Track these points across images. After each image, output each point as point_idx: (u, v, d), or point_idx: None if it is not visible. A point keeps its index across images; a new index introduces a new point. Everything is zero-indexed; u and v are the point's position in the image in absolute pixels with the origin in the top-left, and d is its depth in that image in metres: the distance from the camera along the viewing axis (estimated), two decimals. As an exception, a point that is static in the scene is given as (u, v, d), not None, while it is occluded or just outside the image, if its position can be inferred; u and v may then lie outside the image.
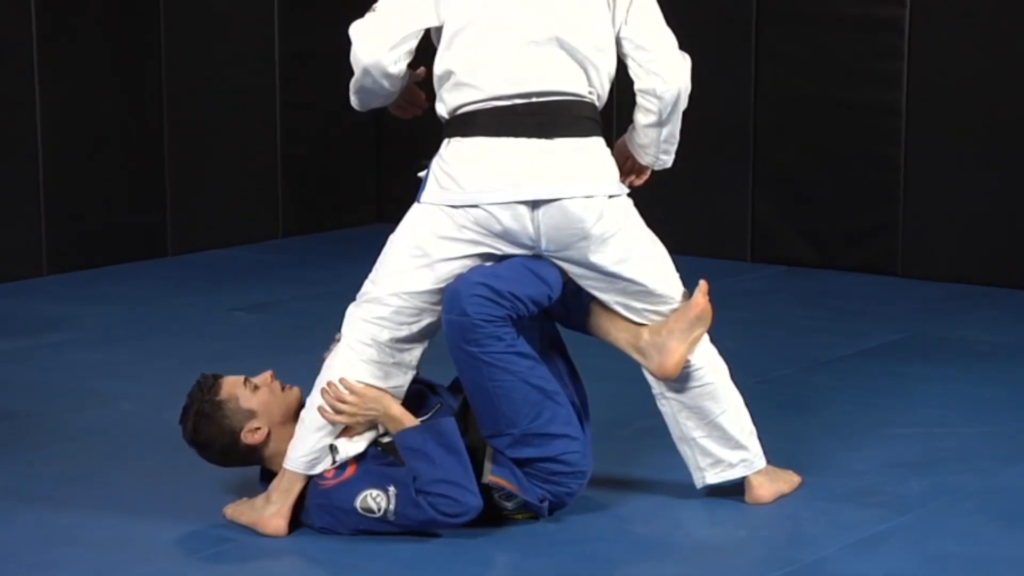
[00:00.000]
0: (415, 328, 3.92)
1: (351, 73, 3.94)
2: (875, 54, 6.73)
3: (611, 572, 3.75)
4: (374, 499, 3.80)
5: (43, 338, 5.81)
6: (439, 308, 3.88)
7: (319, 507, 3.86)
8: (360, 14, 3.91)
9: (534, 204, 3.84)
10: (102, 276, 6.83)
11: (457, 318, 3.79)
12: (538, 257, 3.91)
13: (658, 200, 7.07)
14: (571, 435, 3.90)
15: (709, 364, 4.06)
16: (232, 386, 3.97)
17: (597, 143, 3.92)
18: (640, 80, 3.96)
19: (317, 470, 3.89)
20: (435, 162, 3.92)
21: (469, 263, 3.87)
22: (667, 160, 4.11)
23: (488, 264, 3.88)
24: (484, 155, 3.85)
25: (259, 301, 6.35)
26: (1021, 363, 5.47)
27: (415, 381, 4.03)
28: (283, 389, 4.01)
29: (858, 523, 3.96)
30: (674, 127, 4.05)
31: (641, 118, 4.02)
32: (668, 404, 4.06)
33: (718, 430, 4.05)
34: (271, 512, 3.89)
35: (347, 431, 3.91)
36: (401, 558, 3.76)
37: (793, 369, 5.41)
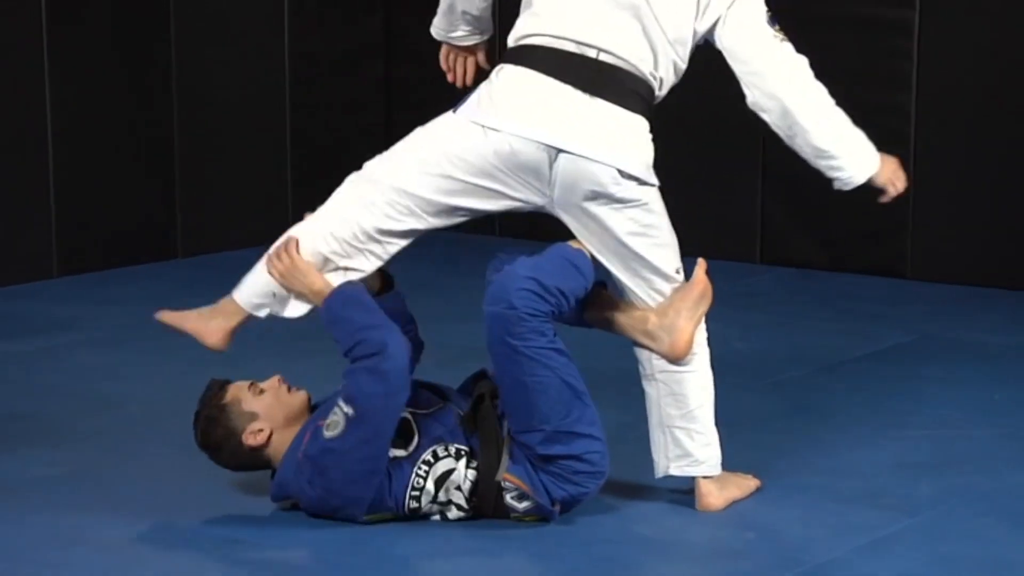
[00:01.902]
0: (398, 226, 3.93)
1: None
2: (884, 56, 6.73)
3: (619, 574, 3.74)
4: (332, 415, 3.83)
5: (53, 340, 5.82)
6: (429, 217, 3.91)
7: (299, 467, 3.87)
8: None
9: (557, 151, 3.83)
10: (112, 278, 6.84)
11: (503, 311, 3.80)
12: (572, 248, 3.92)
13: (667, 201, 7.09)
14: (595, 435, 3.91)
15: (701, 353, 4.05)
16: (237, 390, 4.00)
17: (636, 121, 3.89)
18: (747, 94, 3.95)
19: (260, 313, 4.03)
20: (484, 83, 3.93)
21: (471, 195, 3.88)
22: (843, 173, 4.01)
23: (494, 208, 3.92)
24: (526, 87, 3.85)
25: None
26: (1032, 365, 5.47)
27: (420, 385, 4.03)
28: (290, 391, 4.02)
29: (868, 525, 3.95)
30: (813, 136, 3.96)
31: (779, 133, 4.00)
32: (655, 387, 4.05)
33: (695, 422, 4.03)
34: (216, 325, 4.06)
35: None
36: (407, 557, 3.76)
37: (803, 371, 5.40)
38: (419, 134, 3.95)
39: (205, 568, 3.76)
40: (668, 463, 4.07)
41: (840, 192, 3.95)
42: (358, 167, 4.01)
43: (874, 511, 4.05)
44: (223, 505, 4.06)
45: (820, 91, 3.98)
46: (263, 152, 7.53)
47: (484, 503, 3.91)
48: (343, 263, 3.95)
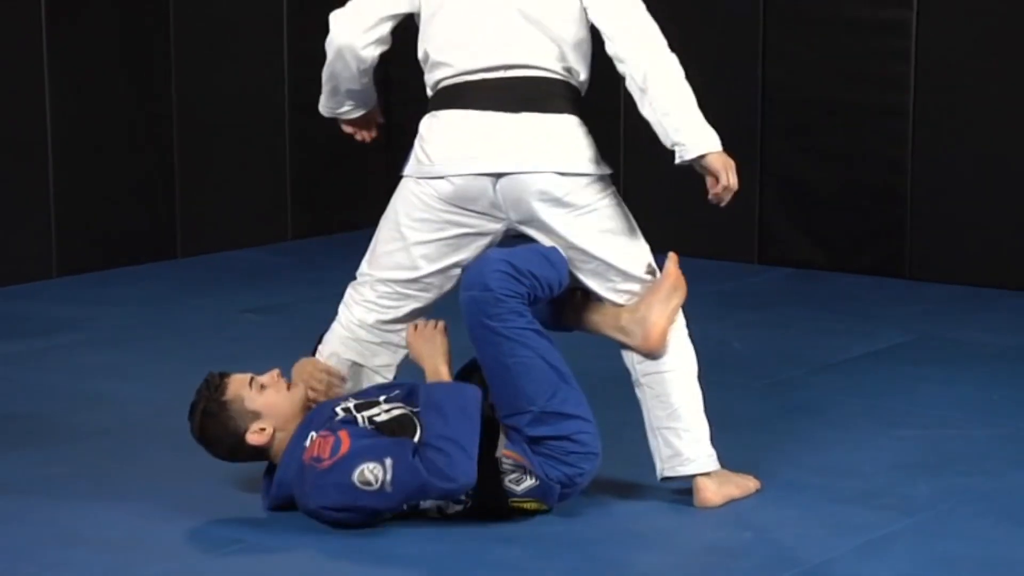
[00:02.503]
0: (400, 312, 4.10)
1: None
2: (882, 56, 6.73)
3: (616, 573, 3.75)
4: (371, 471, 3.80)
5: (53, 340, 5.82)
6: (421, 295, 4.07)
7: (318, 488, 3.85)
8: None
9: (496, 176, 3.94)
10: (112, 278, 6.84)
11: (480, 293, 3.85)
12: (549, 246, 3.98)
13: (665, 201, 7.10)
14: (584, 417, 3.93)
15: (680, 351, 4.08)
16: (238, 386, 3.98)
17: (566, 121, 3.99)
18: (608, 45, 3.96)
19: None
20: (416, 139, 4.07)
21: (445, 252, 4.02)
22: (684, 138, 3.93)
23: (469, 255, 4.01)
24: (450, 128, 4.00)
25: (268, 303, 6.36)
26: (1029, 365, 5.48)
27: (410, 384, 4.05)
28: (289, 388, 4.03)
29: (866, 525, 3.96)
30: (669, 104, 3.92)
31: (639, 109, 4.00)
32: (642, 391, 4.09)
33: (679, 420, 4.05)
34: None
35: None
36: (408, 557, 3.77)
37: (801, 371, 5.41)
38: (383, 219, 4.13)
39: (205, 568, 3.77)
40: (662, 465, 4.09)
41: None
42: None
43: (872, 511, 4.06)
44: (223, 505, 4.07)
45: (675, 59, 3.97)
46: (263, 152, 7.53)
47: (482, 488, 3.89)
48: (372, 363, 4.14)
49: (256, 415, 3.96)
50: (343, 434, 3.85)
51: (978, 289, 6.57)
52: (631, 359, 4.09)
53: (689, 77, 3.99)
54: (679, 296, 4.07)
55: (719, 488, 4.08)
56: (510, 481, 3.91)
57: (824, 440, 4.63)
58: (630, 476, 4.20)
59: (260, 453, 3.99)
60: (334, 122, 4.46)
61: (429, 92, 4.08)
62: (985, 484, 4.27)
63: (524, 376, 3.86)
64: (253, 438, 3.95)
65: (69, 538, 3.89)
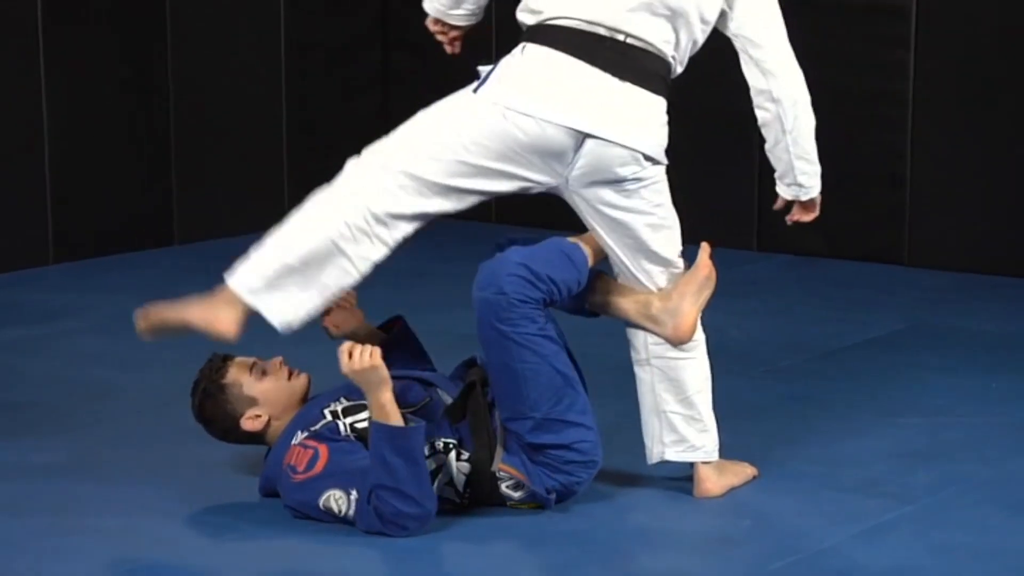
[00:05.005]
0: (408, 209, 3.83)
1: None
2: (882, 43, 6.72)
3: (614, 562, 3.74)
4: (336, 500, 3.77)
5: (50, 327, 5.81)
6: (437, 199, 3.82)
7: (289, 495, 3.85)
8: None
9: (585, 135, 3.80)
10: (108, 265, 6.83)
11: (493, 296, 3.78)
12: (569, 240, 3.91)
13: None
14: (586, 424, 3.89)
15: (700, 338, 4.05)
16: (239, 371, 3.97)
17: (660, 103, 3.88)
18: (756, 79, 3.96)
19: (258, 302, 3.83)
20: (504, 61, 3.86)
21: (484, 177, 3.80)
22: (807, 186, 4.05)
23: (506, 189, 3.83)
24: (556, 70, 3.80)
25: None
26: (1028, 353, 5.48)
27: (406, 377, 4.02)
28: (291, 376, 4.01)
29: (864, 513, 3.96)
30: (809, 146, 3.99)
31: (765, 135, 4.02)
32: (649, 372, 4.03)
33: (691, 408, 4.03)
34: (227, 315, 3.82)
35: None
36: (401, 546, 3.75)
37: (800, 359, 5.40)
38: (435, 115, 3.86)
39: (203, 556, 3.76)
40: (663, 448, 4.06)
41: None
42: (354, 153, 3.95)
43: (870, 499, 4.05)
44: (221, 493, 4.06)
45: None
46: (259, 139, 7.52)
47: (479, 494, 3.90)
48: (349, 248, 3.81)
49: (253, 401, 3.95)
50: (322, 449, 3.81)
51: (978, 276, 6.56)
52: (644, 339, 4.02)
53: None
54: (710, 288, 4.02)
55: (719, 478, 4.07)
56: (507, 487, 3.90)
57: (823, 428, 4.62)
58: (629, 466, 4.19)
59: (255, 438, 3.98)
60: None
61: (531, 18, 3.84)
62: (984, 472, 4.26)
63: (530, 382, 3.82)
64: (247, 424, 3.94)
65: (67, 526, 3.88)
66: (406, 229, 3.86)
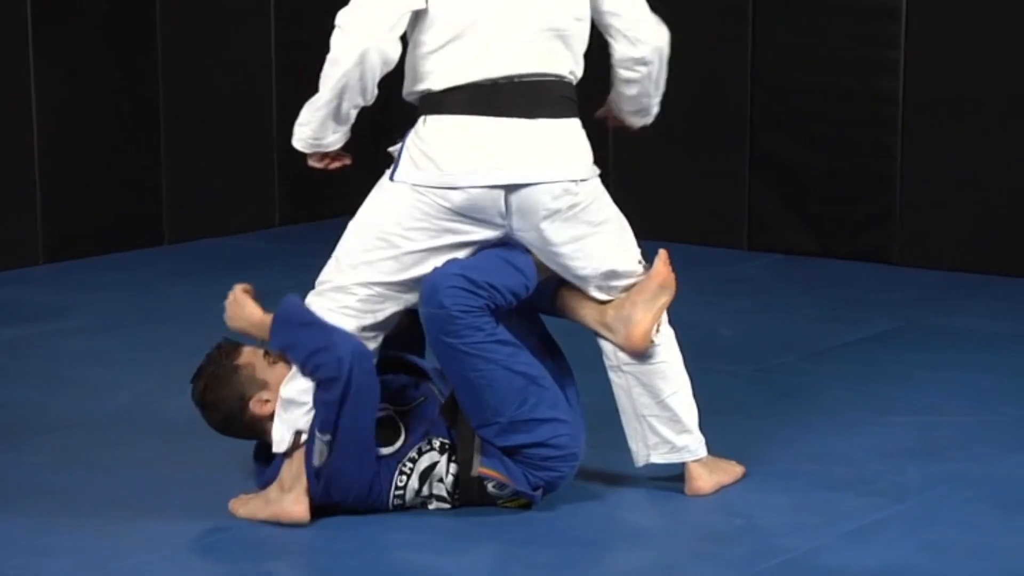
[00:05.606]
0: (380, 316, 3.91)
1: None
2: (872, 42, 6.72)
3: (605, 561, 3.74)
4: (319, 453, 3.81)
5: (40, 327, 5.80)
6: (404, 296, 3.89)
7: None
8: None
9: (512, 186, 3.82)
10: (99, 265, 6.82)
11: (435, 311, 3.78)
12: (512, 247, 3.90)
13: (655, 188, 7.09)
14: (559, 418, 3.89)
15: (666, 342, 4.04)
16: (251, 354, 3.97)
17: (575, 125, 3.91)
18: (622, 49, 3.97)
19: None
20: (410, 139, 3.87)
21: (436, 256, 3.85)
22: (653, 115, 4.15)
23: (461, 257, 3.87)
24: (464, 134, 3.81)
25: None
26: (1019, 351, 5.47)
27: (403, 371, 4.03)
28: None
29: (855, 511, 3.96)
30: (660, 86, 4.08)
31: (626, 89, 4.04)
32: (623, 377, 4.03)
33: (668, 411, 4.03)
34: (291, 500, 3.85)
35: None
36: (392, 544, 3.76)
37: (791, 357, 5.40)
38: (359, 224, 3.91)
39: (196, 554, 3.76)
40: (648, 451, 4.07)
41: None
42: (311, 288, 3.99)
43: (861, 498, 4.05)
44: (214, 491, 4.05)
45: None
46: (250, 139, 7.51)
47: (467, 495, 3.91)
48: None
49: (264, 384, 3.93)
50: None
51: (968, 275, 6.56)
52: (612, 345, 4.04)
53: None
54: (667, 295, 4.01)
55: (710, 476, 4.07)
56: (492, 488, 3.90)
57: (814, 427, 4.62)
58: (618, 464, 4.19)
59: (253, 427, 3.95)
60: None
61: (421, 91, 3.85)
62: (975, 471, 4.26)
63: (487, 389, 3.81)
64: (256, 406, 3.91)
65: (56, 527, 3.87)
66: (383, 333, 3.95)
